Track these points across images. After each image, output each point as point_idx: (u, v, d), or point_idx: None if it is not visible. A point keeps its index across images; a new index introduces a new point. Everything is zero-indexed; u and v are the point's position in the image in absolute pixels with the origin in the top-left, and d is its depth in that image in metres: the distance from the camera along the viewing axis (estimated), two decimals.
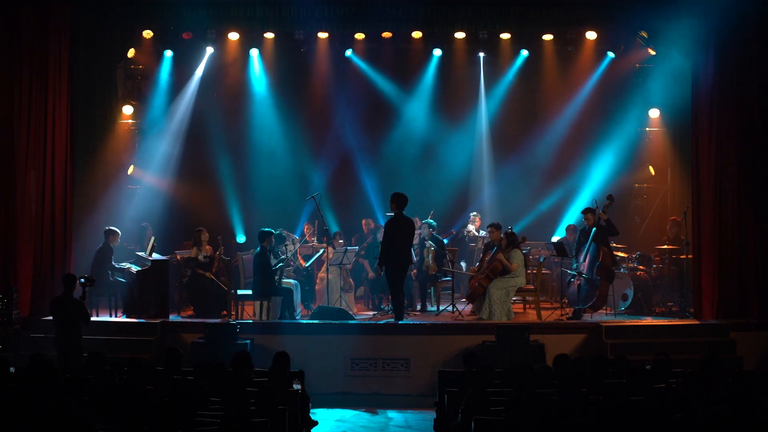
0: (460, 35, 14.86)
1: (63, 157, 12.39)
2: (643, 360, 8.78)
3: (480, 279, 12.47)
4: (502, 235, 12.80)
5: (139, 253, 13.08)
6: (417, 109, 16.16)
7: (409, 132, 16.18)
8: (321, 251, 13.62)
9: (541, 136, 15.94)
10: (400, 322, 11.84)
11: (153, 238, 13.25)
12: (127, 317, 12.31)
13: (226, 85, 15.93)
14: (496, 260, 12.42)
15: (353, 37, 15.04)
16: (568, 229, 14.53)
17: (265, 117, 15.97)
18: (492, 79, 16.13)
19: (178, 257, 13.60)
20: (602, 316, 12.35)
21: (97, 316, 12.27)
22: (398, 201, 12.03)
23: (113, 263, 12.63)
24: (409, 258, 12.37)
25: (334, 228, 14.79)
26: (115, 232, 12.71)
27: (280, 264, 12.72)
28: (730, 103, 12.19)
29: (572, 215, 15.36)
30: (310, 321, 12.18)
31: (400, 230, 11.95)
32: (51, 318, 10.18)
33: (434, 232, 13.67)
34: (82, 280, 10.17)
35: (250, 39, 14.90)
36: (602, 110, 15.50)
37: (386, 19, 13.08)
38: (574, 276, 12.43)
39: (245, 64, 15.61)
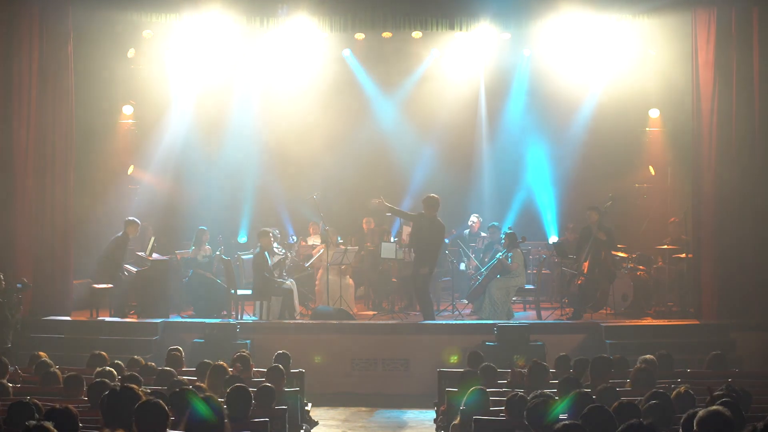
0: (459, 35, 14.83)
1: (63, 158, 12.39)
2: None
3: (481, 279, 12.47)
4: (502, 236, 12.79)
5: (139, 253, 13.08)
6: (415, 109, 16.12)
7: (407, 132, 16.15)
8: (320, 251, 13.62)
9: (541, 135, 15.90)
10: (405, 323, 11.92)
11: (153, 238, 13.25)
12: (126, 317, 12.31)
13: (224, 84, 15.90)
14: (497, 260, 12.43)
15: (353, 37, 15.03)
16: (568, 229, 14.53)
17: (264, 117, 15.95)
18: (492, 79, 16.10)
19: (179, 257, 13.60)
20: (602, 317, 12.35)
21: (97, 316, 12.29)
22: (433, 204, 12.09)
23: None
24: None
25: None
26: (135, 222, 12.60)
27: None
28: (731, 102, 12.17)
29: (566, 215, 15.37)
30: (310, 321, 12.19)
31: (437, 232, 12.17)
32: (50, 318, 10.14)
33: None
34: (19, 285, 9.97)
35: (250, 39, 14.87)
36: (601, 110, 15.45)
37: (386, 18, 13.06)
38: (575, 275, 12.42)
39: (245, 63, 15.60)
